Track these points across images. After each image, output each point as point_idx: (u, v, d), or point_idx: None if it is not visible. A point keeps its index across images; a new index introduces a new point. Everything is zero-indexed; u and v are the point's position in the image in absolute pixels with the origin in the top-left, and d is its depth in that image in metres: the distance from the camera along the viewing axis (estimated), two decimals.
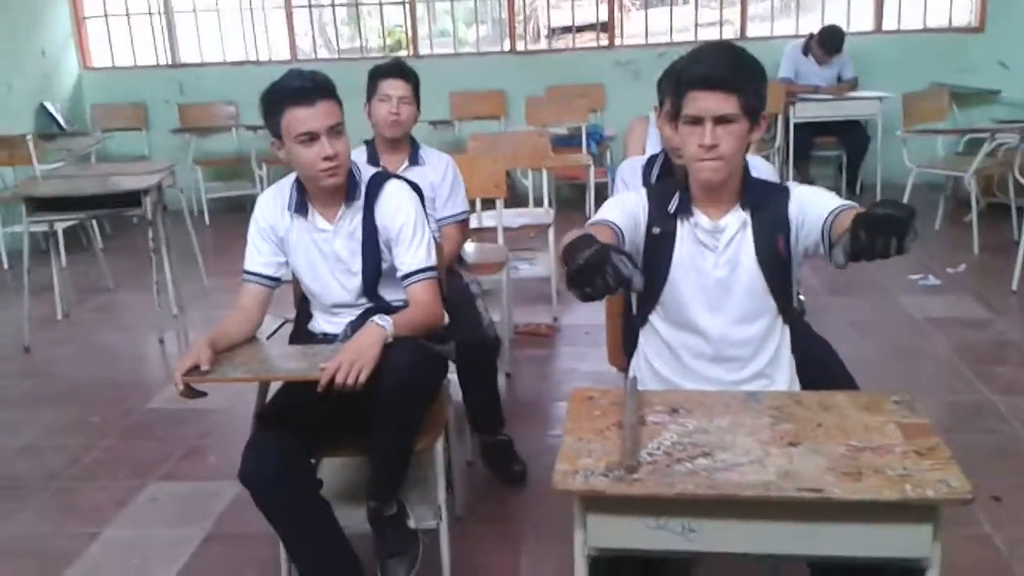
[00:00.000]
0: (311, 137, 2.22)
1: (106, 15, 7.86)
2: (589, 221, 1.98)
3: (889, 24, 7.35)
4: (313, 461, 2.40)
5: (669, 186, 2.10)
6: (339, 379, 2.05)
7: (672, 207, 2.02)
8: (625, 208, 2.02)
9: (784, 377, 2.07)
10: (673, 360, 2.07)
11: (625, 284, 1.58)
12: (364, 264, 2.39)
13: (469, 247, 3.90)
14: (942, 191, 6.26)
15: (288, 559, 2.35)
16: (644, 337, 2.14)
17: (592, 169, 5.98)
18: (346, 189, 2.36)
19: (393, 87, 3.14)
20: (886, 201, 1.59)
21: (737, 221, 2.00)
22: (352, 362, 2.08)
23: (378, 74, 3.17)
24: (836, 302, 4.60)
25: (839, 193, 6.37)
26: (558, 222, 4.69)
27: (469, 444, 3.19)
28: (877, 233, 1.53)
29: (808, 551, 1.59)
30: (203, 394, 2.17)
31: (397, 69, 3.18)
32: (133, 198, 4.47)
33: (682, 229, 2.02)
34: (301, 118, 2.21)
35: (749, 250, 1.99)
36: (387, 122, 3.14)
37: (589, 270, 1.58)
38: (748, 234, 1.99)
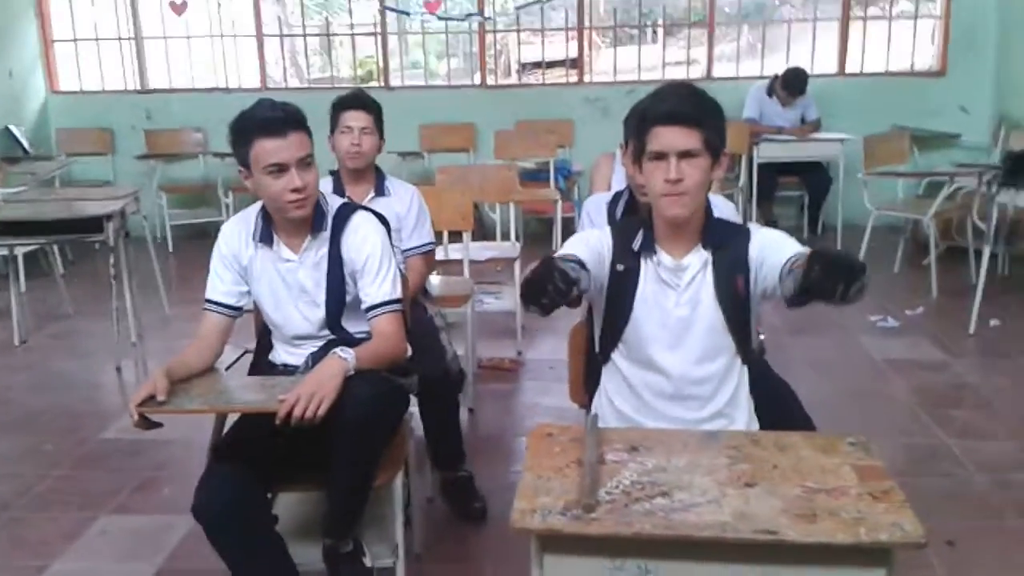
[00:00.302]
0: (280, 169, 2.21)
1: (75, 39, 7.80)
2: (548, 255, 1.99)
3: (852, 67, 7.49)
4: (269, 496, 2.37)
5: (633, 224, 2.12)
6: (297, 412, 2.04)
7: (636, 245, 2.04)
8: (589, 244, 2.03)
9: (743, 416, 2.09)
10: (634, 398, 2.08)
11: (574, 284, 1.69)
12: (328, 295, 2.37)
13: (435, 279, 3.90)
14: (901, 233, 6.36)
15: None
16: (606, 375, 2.15)
17: (560, 204, 6.00)
18: (312, 220, 2.35)
19: (354, 118, 3.16)
20: (844, 252, 1.64)
21: (699, 260, 2.02)
22: (312, 394, 2.06)
23: (340, 106, 3.19)
24: (796, 342, 4.64)
25: (801, 233, 6.45)
26: (525, 256, 4.70)
27: (429, 480, 3.17)
28: (830, 272, 1.59)
29: None
30: (158, 425, 2.14)
31: (357, 100, 3.20)
32: (95, 224, 4.41)
33: (645, 267, 2.04)
34: (270, 149, 2.20)
35: (709, 289, 2.01)
36: (349, 154, 3.16)
37: (539, 280, 1.66)
38: (709, 273, 2.01)
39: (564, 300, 1.69)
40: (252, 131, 2.22)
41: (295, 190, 2.22)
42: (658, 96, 1.98)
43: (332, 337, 2.40)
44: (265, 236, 2.37)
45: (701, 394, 2.05)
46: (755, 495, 1.60)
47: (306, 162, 2.24)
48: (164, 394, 2.10)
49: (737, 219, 2.51)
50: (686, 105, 1.93)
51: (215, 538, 2.13)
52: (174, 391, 2.14)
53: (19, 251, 5.38)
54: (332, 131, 3.20)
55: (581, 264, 1.84)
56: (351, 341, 2.35)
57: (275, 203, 2.27)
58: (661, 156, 1.92)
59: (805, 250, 1.93)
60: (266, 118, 2.22)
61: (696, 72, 7.74)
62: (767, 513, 1.54)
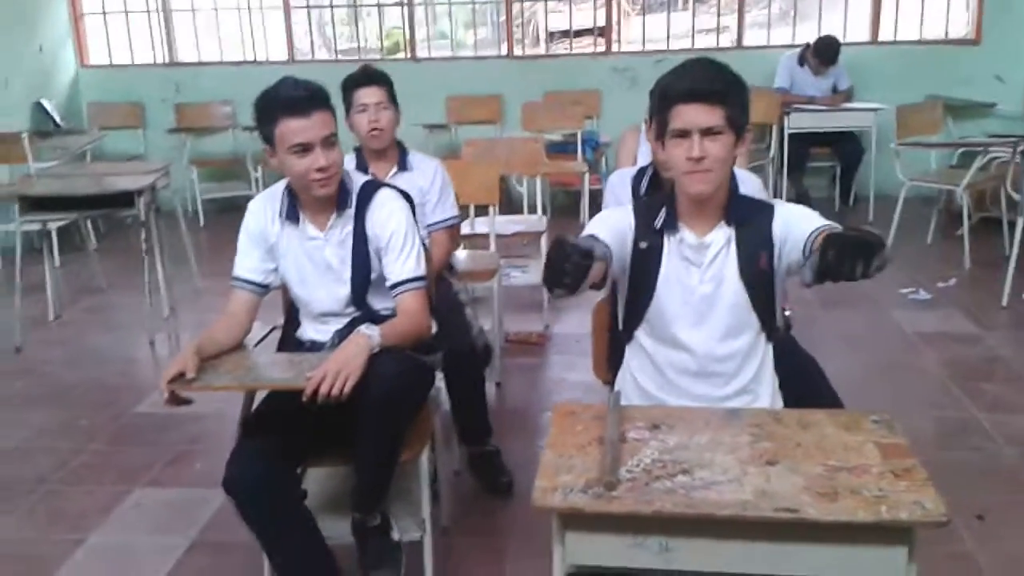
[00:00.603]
0: (305, 149, 2.21)
1: (104, 12, 7.85)
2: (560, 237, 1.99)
3: (885, 35, 7.36)
4: (299, 471, 2.40)
5: (655, 201, 2.11)
6: (323, 389, 2.06)
7: (658, 222, 2.03)
8: (611, 225, 2.02)
9: (767, 393, 2.08)
10: (658, 375, 2.09)
11: (590, 254, 1.65)
12: (353, 272, 2.39)
13: (461, 254, 3.91)
14: (934, 204, 6.27)
15: (271, 569, 2.36)
16: (630, 352, 2.15)
17: (587, 176, 5.98)
18: (337, 197, 2.36)
19: (368, 95, 3.11)
20: (859, 228, 1.61)
21: (722, 237, 2.01)
22: (338, 372, 2.08)
23: (351, 85, 3.14)
24: (827, 315, 4.61)
25: (832, 204, 6.38)
26: (552, 229, 4.69)
27: (456, 454, 3.20)
28: (845, 255, 1.55)
29: (784, 571, 1.59)
30: (188, 402, 2.18)
31: (368, 77, 3.15)
32: (127, 198, 4.47)
33: (668, 245, 2.03)
34: (295, 129, 2.20)
35: (732, 266, 2.00)
36: (370, 134, 3.13)
37: (555, 260, 1.64)
38: (732, 250, 2.00)
39: (585, 275, 1.66)
40: (276, 110, 2.22)
41: (320, 169, 2.23)
42: (679, 72, 1.96)
43: (358, 314, 2.42)
44: (291, 214, 2.38)
45: (725, 371, 2.05)
46: (776, 473, 1.61)
47: (330, 141, 2.25)
48: (194, 371, 2.13)
49: (763, 194, 2.50)
50: (708, 82, 1.90)
51: (245, 512, 2.16)
52: (204, 368, 2.18)
53: (52, 226, 5.44)
54: (347, 111, 3.14)
55: (594, 237, 1.83)
56: (376, 318, 2.37)
57: (300, 182, 2.28)
58: (683, 134, 1.91)
59: (829, 224, 1.91)
60: (290, 97, 2.21)
61: (726, 40, 7.65)
62: (788, 491, 1.54)
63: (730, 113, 1.90)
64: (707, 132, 1.89)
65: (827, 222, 1.92)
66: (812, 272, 1.60)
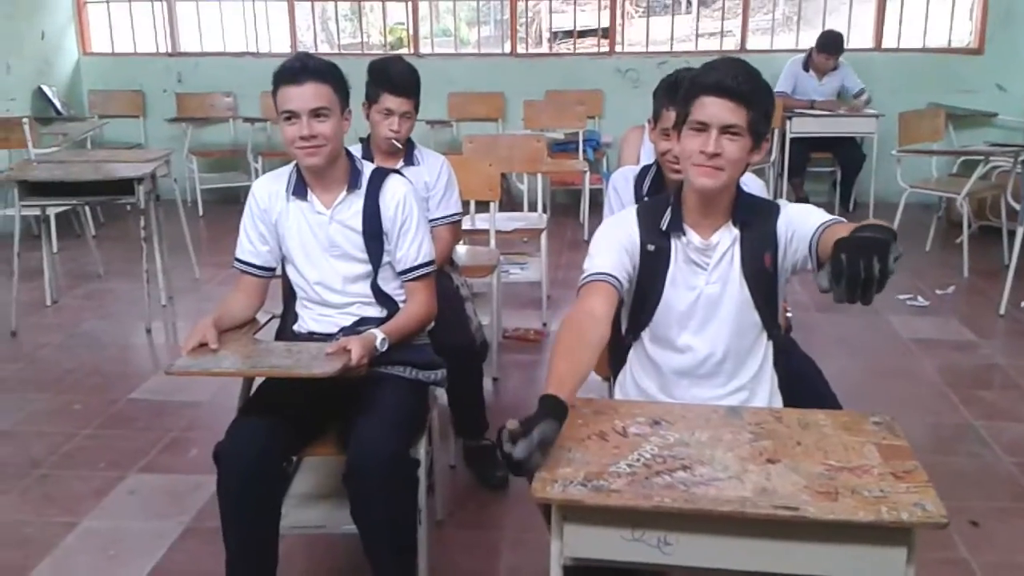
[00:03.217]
0: (293, 116, 2.28)
1: (107, 0, 7.84)
2: (583, 275, 1.97)
3: (889, 42, 7.38)
4: (294, 458, 2.40)
5: (659, 202, 2.09)
6: (355, 357, 2.14)
7: (664, 224, 2.02)
8: (616, 245, 2.00)
9: (766, 391, 2.08)
10: (659, 376, 2.08)
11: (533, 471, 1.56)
12: (369, 251, 2.41)
13: (461, 249, 3.91)
14: (934, 211, 6.29)
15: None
16: (634, 354, 2.14)
17: (588, 175, 6.00)
18: (349, 176, 2.40)
19: (396, 103, 3.03)
20: (867, 224, 1.58)
21: (728, 238, 2.00)
22: (360, 357, 2.16)
23: (382, 83, 3.03)
24: (824, 319, 4.61)
25: (833, 209, 6.37)
26: (552, 227, 4.70)
27: (452, 448, 3.19)
28: (859, 255, 1.50)
29: (782, 569, 1.58)
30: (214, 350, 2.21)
31: (402, 87, 3.02)
32: (127, 186, 4.47)
33: (675, 247, 2.02)
34: (287, 96, 2.28)
35: (737, 266, 2.00)
36: (387, 140, 3.09)
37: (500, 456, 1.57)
38: (737, 250, 2.00)
39: (534, 455, 1.53)
40: (278, 78, 2.31)
41: (303, 138, 2.28)
42: (710, 65, 1.94)
43: (364, 301, 2.43)
44: (299, 190, 2.41)
45: (725, 370, 2.04)
46: (777, 471, 1.60)
47: (320, 113, 2.28)
48: (215, 342, 2.21)
49: (766, 195, 2.49)
50: (738, 79, 1.87)
51: (227, 485, 2.13)
52: (204, 352, 2.19)
53: (51, 212, 5.43)
54: (369, 101, 3.09)
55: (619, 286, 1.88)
56: (386, 299, 2.42)
57: (289, 149, 2.33)
58: (703, 126, 1.89)
59: (835, 218, 1.90)
60: (289, 67, 2.30)
61: (730, 44, 7.66)
62: (788, 489, 1.54)
63: (753, 117, 1.89)
64: (726, 129, 1.88)
65: (833, 217, 1.91)
66: (828, 276, 1.53)
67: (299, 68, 2.28)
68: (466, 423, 3.13)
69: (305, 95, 2.27)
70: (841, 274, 1.52)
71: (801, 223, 1.94)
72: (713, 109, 1.87)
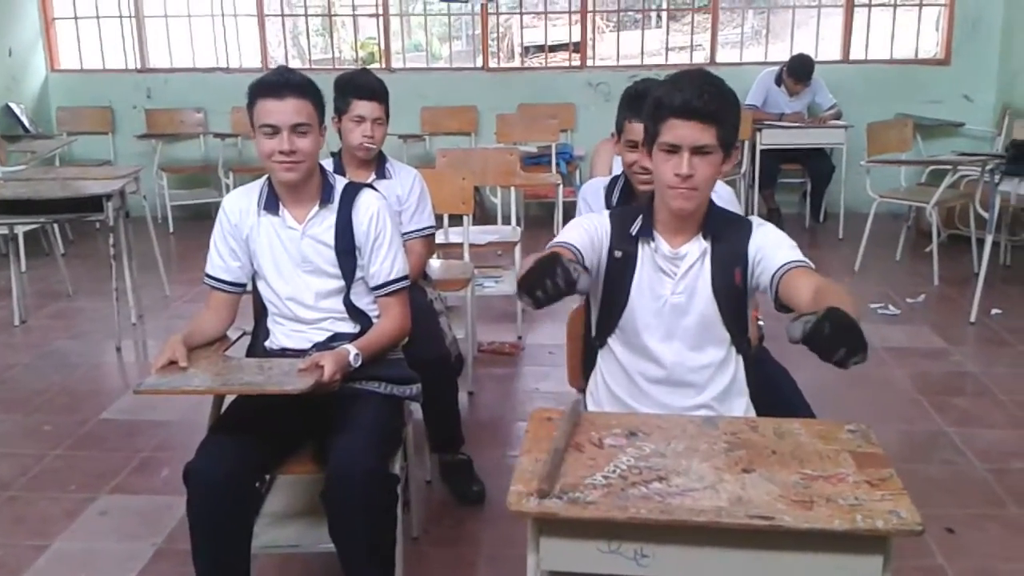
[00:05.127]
0: (273, 130, 2.26)
1: (76, 17, 7.77)
2: (550, 243, 1.99)
3: (856, 54, 7.46)
4: (267, 478, 2.37)
5: (632, 210, 2.11)
6: (328, 371, 2.13)
7: (634, 230, 2.03)
8: (586, 231, 2.02)
9: (739, 407, 2.08)
10: (628, 383, 2.08)
11: (572, 286, 1.63)
12: (342, 267, 2.39)
13: (435, 263, 3.90)
14: (904, 221, 6.35)
15: None
16: (602, 359, 2.15)
17: (561, 188, 5.98)
18: (321, 191, 2.39)
19: (368, 109, 3.06)
20: (838, 311, 1.55)
21: (697, 249, 2.01)
22: (333, 373, 2.14)
23: (351, 91, 3.06)
24: None
25: (803, 221, 6.43)
26: (525, 240, 4.69)
27: (428, 463, 3.17)
28: (838, 335, 1.52)
29: None
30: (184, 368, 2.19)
31: (371, 91, 3.07)
32: (96, 203, 4.42)
33: (643, 253, 2.02)
34: (268, 110, 2.27)
35: (706, 279, 2.00)
36: (362, 147, 3.10)
37: (540, 272, 1.63)
38: (707, 263, 2.00)
39: (557, 299, 1.65)
40: (256, 91, 2.30)
41: (283, 152, 2.27)
42: (675, 84, 1.91)
43: (336, 316, 2.41)
44: (271, 204, 2.40)
45: (696, 382, 2.05)
46: (752, 481, 1.60)
47: (300, 130, 2.28)
48: (185, 360, 2.18)
49: (737, 205, 2.51)
50: (704, 100, 1.86)
51: (197, 506, 2.10)
52: (175, 370, 2.17)
53: (19, 230, 5.36)
54: (339, 114, 3.10)
55: (583, 265, 1.83)
56: (359, 314, 2.41)
57: (266, 163, 2.32)
58: (674, 149, 1.89)
59: (802, 261, 1.91)
60: (270, 81, 2.30)
61: (700, 58, 7.72)
62: (764, 499, 1.54)
63: (722, 132, 1.89)
64: (698, 150, 1.88)
65: (800, 258, 1.92)
66: (800, 333, 1.54)
67: (281, 82, 2.27)
68: (442, 438, 3.11)
69: (287, 110, 2.26)
70: (813, 341, 1.53)
71: (770, 252, 1.94)
72: (683, 131, 1.87)
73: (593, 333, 2.14)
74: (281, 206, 2.39)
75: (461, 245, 4.17)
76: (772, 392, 2.25)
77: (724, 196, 2.43)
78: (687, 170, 1.87)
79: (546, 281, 1.62)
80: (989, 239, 4.76)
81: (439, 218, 3.84)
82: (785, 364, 2.49)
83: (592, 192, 2.70)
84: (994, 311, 4.88)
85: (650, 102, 1.95)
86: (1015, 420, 3.63)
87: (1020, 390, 3.91)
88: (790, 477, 1.61)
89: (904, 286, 5.38)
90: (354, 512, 2.08)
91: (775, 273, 1.89)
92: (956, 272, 5.59)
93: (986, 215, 4.89)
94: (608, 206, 2.57)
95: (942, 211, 5.80)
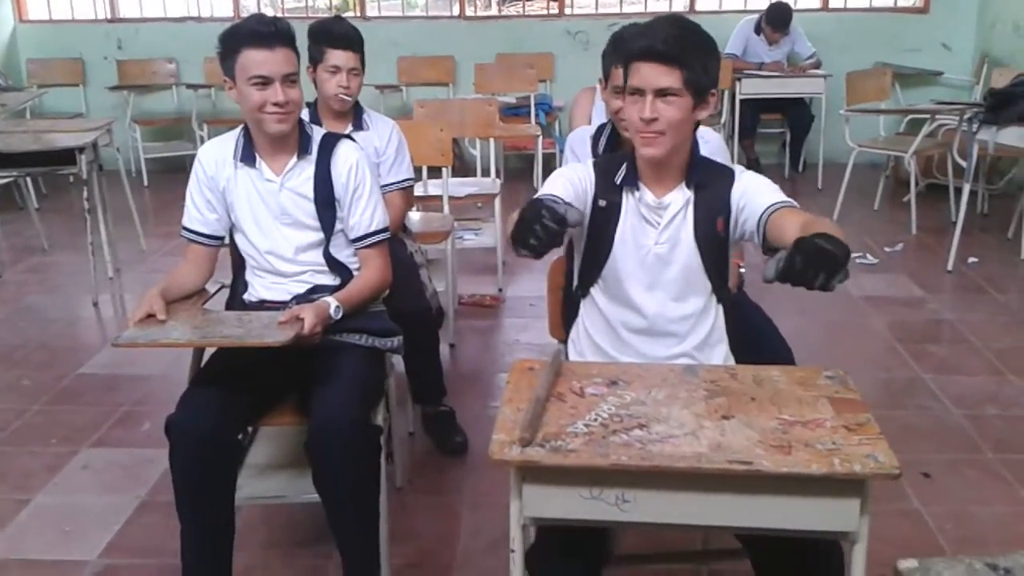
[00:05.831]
0: (265, 82, 2.22)
1: None
2: (535, 196, 1.97)
3: (836, 3, 7.41)
4: (249, 430, 2.38)
5: (616, 159, 2.09)
6: (309, 323, 2.10)
7: (619, 178, 2.02)
8: (571, 181, 2.01)
9: (719, 355, 2.09)
10: (610, 333, 2.08)
11: (562, 222, 1.63)
12: (321, 218, 2.37)
13: (414, 215, 3.87)
14: (882, 170, 6.37)
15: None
16: (584, 309, 2.15)
17: (540, 140, 5.97)
18: (299, 142, 2.36)
19: (343, 59, 3.00)
20: (828, 236, 1.55)
21: (681, 199, 2.00)
22: (313, 325, 2.12)
23: (325, 40, 3.01)
24: None
25: (782, 170, 6.42)
26: (505, 192, 4.68)
27: (410, 415, 3.19)
28: (811, 264, 1.51)
29: (738, 523, 1.61)
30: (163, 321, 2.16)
31: (346, 40, 3.01)
32: (68, 156, 4.36)
33: (627, 203, 2.02)
34: (258, 60, 2.22)
35: (689, 229, 2.00)
36: (337, 98, 3.06)
37: (527, 220, 1.62)
38: (689, 212, 2.00)
39: (555, 239, 1.64)
40: (241, 40, 2.23)
41: (276, 104, 2.23)
42: (642, 30, 1.93)
43: (316, 269, 2.40)
44: (247, 156, 2.36)
45: (677, 331, 2.05)
46: (731, 427, 1.62)
47: (291, 79, 2.25)
48: (163, 313, 2.16)
49: (724, 151, 2.50)
50: (666, 43, 1.85)
51: (180, 458, 2.09)
52: (154, 323, 2.15)
53: None
54: (313, 64, 3.05)
55: (566, 202, 1.82)
56: (340, 267, 2.40)
57: (254, 115, 2.27)
58: (639, 92, 1.89)
59: (787, 201, 1.90)
60: (256, 30, 2.23)
61: (679, 5, 7.63)
62: (743, 444, 1.55)
63: (689, 75, 1.86)
64: (661, 93, 1.87)
65: (785, 198, 1.91)
66: (776, 271, 1.53)
67: (271, 32, 2.22)
68: (424, 390, 3.12)
69: (278, 60, 2.22)
70: (788, 275, 1.53)
71: (754, 197, 1.94)
72: (645, 74, 1.87)
73: (575, 283, 2.14)
74: (258, 157, 2.36)
75: (440, 198, 4.15)
76: (750, 333, 2.27)
77: (713, 144, 2.42)
78: (649, 113, 1.86)
79: (535, 227, 1.61)
80: (967, 188, 4.78)
81: (418, 170, 3.81)
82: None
83: (579, 141, 2.68)
84: (971, 259, 4.92)
85: (620, 47, 1.95)
86: (991, 367, 3.68)
87: (996, 337, 3.97)
88: (769, 423, 1.63)
89: (882, 235, 5.41)
90: (338, 462, 2.09)
91: (761, 216, 1.89)
92: (934, 221, 5.63)
93: (964, 164, 4.90)
94: (595, 155, 2.56)
95: (920, 160, 5.82)
